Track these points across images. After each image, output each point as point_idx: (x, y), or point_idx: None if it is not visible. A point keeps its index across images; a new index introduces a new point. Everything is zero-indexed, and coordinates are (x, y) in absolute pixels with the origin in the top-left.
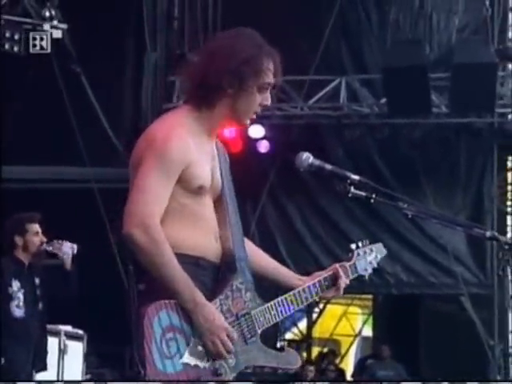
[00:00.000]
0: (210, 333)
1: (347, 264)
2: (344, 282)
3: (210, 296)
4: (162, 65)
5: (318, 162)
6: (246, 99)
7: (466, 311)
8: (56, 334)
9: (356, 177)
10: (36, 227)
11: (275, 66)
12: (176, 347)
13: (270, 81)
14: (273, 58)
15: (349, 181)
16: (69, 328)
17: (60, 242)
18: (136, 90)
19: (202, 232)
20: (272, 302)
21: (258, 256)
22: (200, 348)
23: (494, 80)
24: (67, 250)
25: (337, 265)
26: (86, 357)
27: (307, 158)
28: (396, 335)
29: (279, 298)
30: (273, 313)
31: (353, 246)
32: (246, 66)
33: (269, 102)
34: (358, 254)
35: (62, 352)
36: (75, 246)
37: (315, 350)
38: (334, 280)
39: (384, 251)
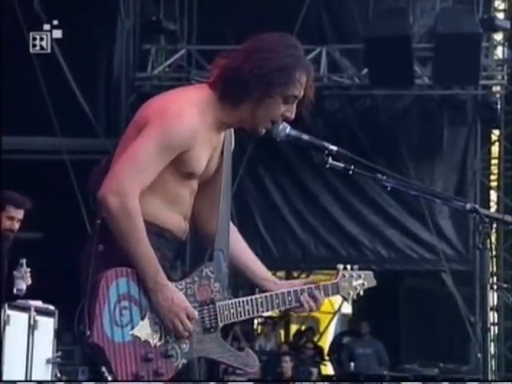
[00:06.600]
0: (169, 312)
1: (322, 284)
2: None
3: (170, 269)
4: (136, 32)
5: (295, 133)
6: (269, 107)
7: (446, 287)
8: (26, 309)
9: (334, 147)
10: (14, 212)
11: (308, 81)
12: (129, 317)
13: (297, 94)
14: (307, 72)
15: (326, 151)
16: (39, 303)
17: (26, 274)
18: (109, 58)
19: (176, 211)
20: (241, 299)
21: (239, 249)
22: (155, 325)
23: (478, 51)
24: (22, 286)
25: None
26: (58, 333)
27: (284, 128)
28: (376, 312)
29: (250, 297)
30: (239, 310)
31: (340, 266)
32: (277, 74)
33: (292, 115)
34: (344, 276)
35: (32, 328)
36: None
37: (293, 328)
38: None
39: (374, 282)
